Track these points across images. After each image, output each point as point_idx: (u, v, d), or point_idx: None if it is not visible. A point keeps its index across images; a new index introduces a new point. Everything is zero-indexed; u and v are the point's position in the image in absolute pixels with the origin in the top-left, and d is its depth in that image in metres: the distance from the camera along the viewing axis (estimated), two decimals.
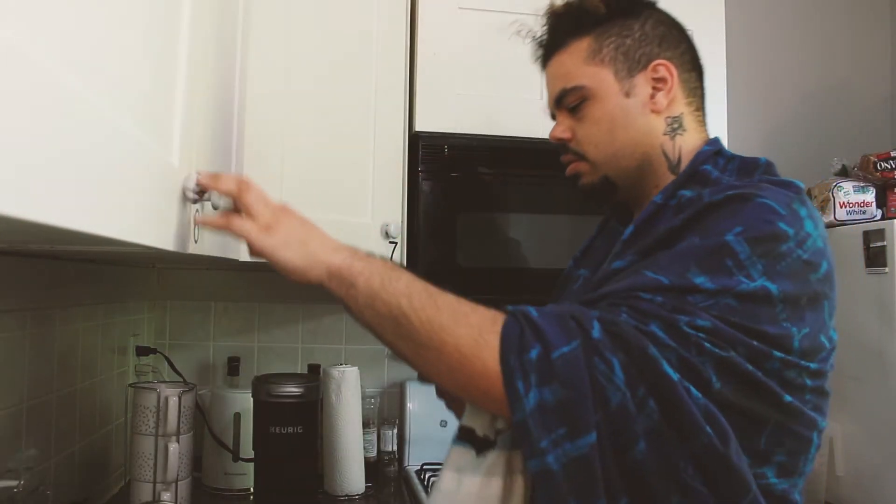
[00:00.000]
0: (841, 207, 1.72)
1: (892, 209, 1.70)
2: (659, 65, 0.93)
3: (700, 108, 0.98)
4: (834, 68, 2.23)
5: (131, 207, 0.59)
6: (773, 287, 0.73)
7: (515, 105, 1.61)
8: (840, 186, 1.73)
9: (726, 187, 0.81)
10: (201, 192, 0.81)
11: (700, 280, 0.73)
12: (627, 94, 0.93)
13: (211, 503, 1.58)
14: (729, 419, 0.72)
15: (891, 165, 1.70)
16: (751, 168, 0.89)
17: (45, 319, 1.20)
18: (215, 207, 0.85)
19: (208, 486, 1.61)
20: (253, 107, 1.32)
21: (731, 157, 0.92)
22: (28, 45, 0.38)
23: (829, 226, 1.73)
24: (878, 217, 1.71)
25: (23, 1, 0.37)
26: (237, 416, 1.62)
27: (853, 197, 1.72)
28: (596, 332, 0.71)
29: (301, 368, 1.88)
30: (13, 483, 0.93)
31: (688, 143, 0.94)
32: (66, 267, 1.26)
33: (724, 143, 1.73)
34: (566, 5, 0.98)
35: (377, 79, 1.56)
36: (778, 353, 0.73)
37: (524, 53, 1.74)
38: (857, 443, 1.58)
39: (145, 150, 0.64)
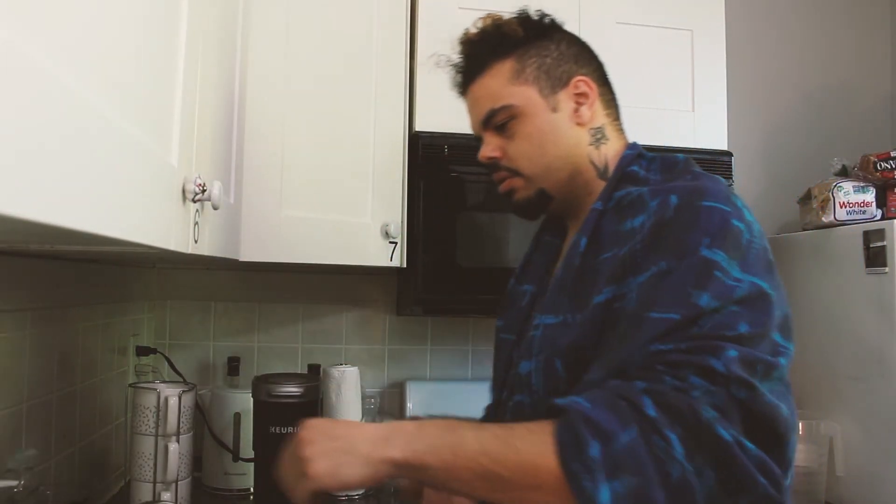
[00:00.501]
0: (841, 207, 1.72)
1: (892, 209, 1.70)
2: (579, 80, 0.99)
3: (617, 117, 1.04)
4: (834, 68, 2.23)
5: (131, 207, 0.59)
6: (759, 281, 0.77)
7: None
8: (840, 186, 1.73)
9: (668, 189, 0.84)
10: (202, 192, 0.81)
11: (704, 301, 0.75)
12: (554, 110, 0.98)
13: (211, 503, 1.58)
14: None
15: (891, 165, 1.70)
16: (672, 165, 0.94)
17: (45, 319, 1.20)
18: (215, 207, 0.85)
19: (208, 486, 1.61)
20: (253, 107, 1.32)
21: (653, 158, 0.97)
22: (27, 45, 0.38)
23: (830, 226, 1.73)
24: (878, 217, 1.71)
25: (22, 1, 0.37)
26: (237, 416, 1.62)
27: (853, 197, 1.72)
28: (649, 409, 0.72)
29: (301, 368, 1.88)
30: (13, 483, 0.93)
31: (611, 151, 0.99)
32: (66, 267, 1.26)
33: (724, 143, 1.76)
34: (482, 32, 1.03)
35: (377, 79, 1.56)
36: (783, 360, 0.78)
37: None
38: (857, 443, 1.58)
39: (145, 150, 0.64)
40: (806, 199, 1.86)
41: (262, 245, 1.35)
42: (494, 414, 1.05)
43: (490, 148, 1.01)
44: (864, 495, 1.56)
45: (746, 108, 2.12)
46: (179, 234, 0.77)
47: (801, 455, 1.59)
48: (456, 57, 1.05)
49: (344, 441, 0.80)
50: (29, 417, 1.13)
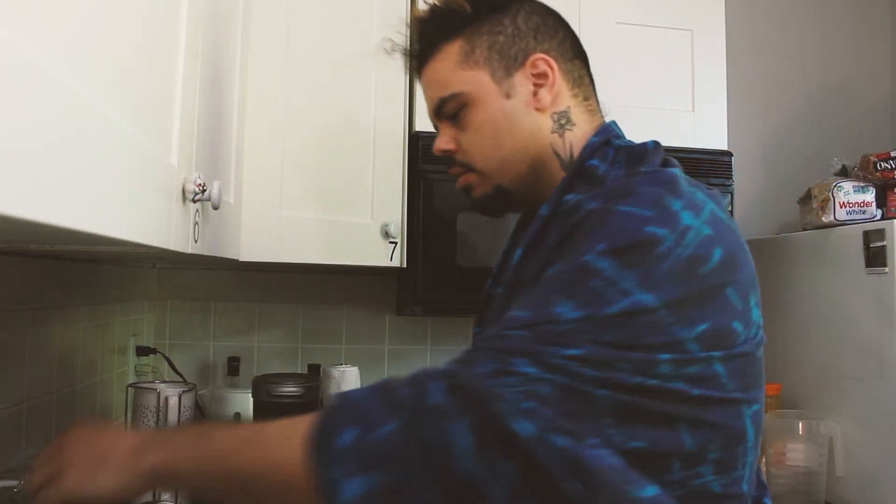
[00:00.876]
0: (841, 207, 1.72)
1: (892, 209, 1.70)
2: (538, 59, 0.87)
3: (589, 96, 0.92)
4: (834, 68, 2.23)
5: (131, 207, 0.59)
6: (648, 297, 0.66)
7: None
8: (840, 186, 1.73)
9: (595, 195, 0.75)
10: (202, 192, 0.81)
11: (561, 309, 0.67)
12: (508, 96, 0.88)
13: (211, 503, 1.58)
14: (631, 431, 0.66)
15: (891, 165, 1.70)
16: (639, 156, 0.82)
17: (45, 319, 1.20)
18: (215, 207, 0.85)
19: None
20: (253, 107, 1.32)
21: (619, 148, 0.85)
22: (26, 46, 0.38)
23: (830, 226, 1.73)
24: (878, 217, 1.71)
25: (22, 1, 0.37)
26: (237, 416, 1.62)
27: (853, 197, 1.72)
28: (437, 395, 0.65)
29: (301, 368, 1.88)
30: (13, 483, 0.93)
31: (579, 138, 0.88)
32: (66, 267, 1.26)
33: (724, 143, 1.76)
34: (431, 10, 0.92)
35: (377, 79, 1.56)
36: (665, 356, 0.66)
37: None
38: (857, 443, 1.58)
39: (145, 150, 0.64)
40: (806, 199, 1.86)
41: (262, 245, 1.34)
42: None
43: (444, 140, 0.92)
44: (864, 495, 1.56)
45: (746, 108, 2.12)
46: (179, 234, 0.77)
47: (801, 455, 1.59)
48: (409, 40, 0.96)
49: (103, 449, 0.74)
50: (29, 417, 1.13)
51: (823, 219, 1.75)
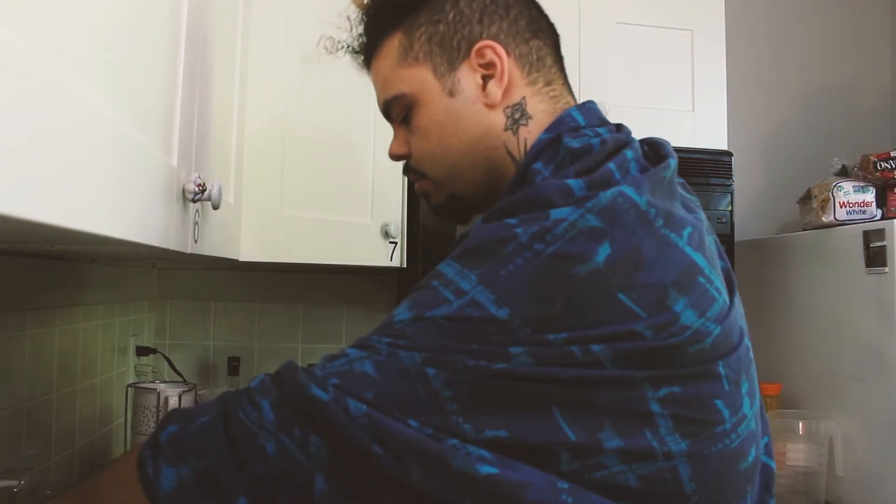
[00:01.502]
0: (841, 207, 1.72)
1: (892, 209, 1.70)
2: (483, 47, 0.76)
3: (552, 80, 0.80)
4: (834, 68, 2.23)
5: (131, 207, 0.59)
6: (485, 298, 0.60)
7: None
8: (840, 186, 1.73)
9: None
10: (202, 192, 0.81)
11: (399, 311, 0.64)
12: (452, 93, 0.77)
13: None
14: (483, 419, 0.60)
15: (891, 165, 1.70)
16: (581, 156, 0.70)
17: (45, 319, 1.20)
18: (215, 207, 0.85)
19: None
20: (253, 106, 1.32)
21: (568, 148, 0.71)
22: (26, 46, 0.38)
23: (830, 226, 1.73)
24: (878, 217, 1.71)
25: (21, 0, 0.37)
26: None
27: (853, 197, 1.72)
28: (253, 383, 0.65)
29: None
30: (13, 483, 0.93)
31: (534, 133, 0.76)
32: (66, 267, 1.26)
33: (724, 143, 1.76)
34: (370, 4, 0.83)
35: None
36: (517, 349, 0.60)
37: None
38: (857, 443, 1.58)
39: (144, 150, 0.64)
40: (806, 199, 1.86)
41: (262, 245, 1.34)
42: None
43: (397, 143, 0.84)
44: (864, 495, 1.56)
45: (746, 108, 2.12)
46: (179, 234, 0.77)
47: (802, 455, 1.59)
48: (351, 35, 0.87)
49: None
50: (29, 417, 1.13)
51: (823, 219, 1.75)
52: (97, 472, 0.79)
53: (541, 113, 0.77)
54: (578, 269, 0.60)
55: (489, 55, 0.76)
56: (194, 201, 0.80)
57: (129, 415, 1.52)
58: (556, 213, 0.61)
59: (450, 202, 0.83)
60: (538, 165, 0.71)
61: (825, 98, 2.22)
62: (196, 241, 0.84)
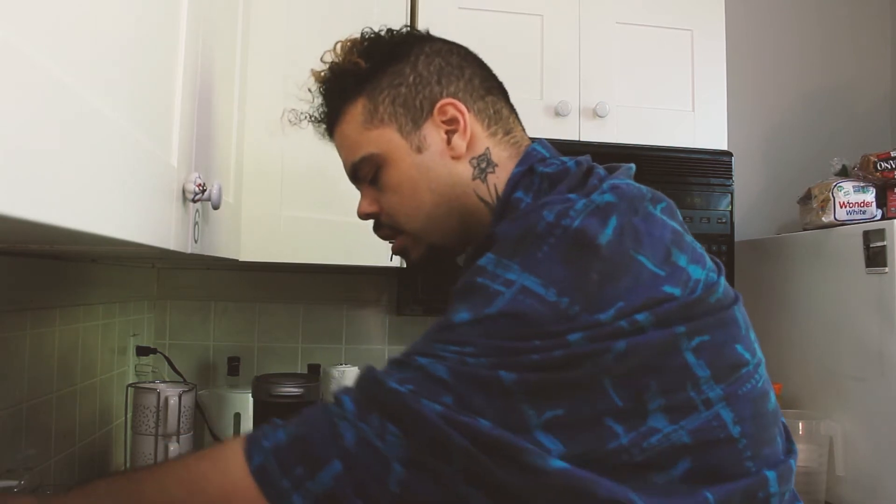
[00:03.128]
0: (841, 207, 1.72)
1: (892, 209, 1.70)
2: (445, 105, 0.83)
3: (511, 128, 0.87)
4: (834, 68, 2.23)
5: (131, 207, 0.59)
6: (533, 281, 0.65)
7: (515, 104, 1.60)
8: (840, 186, 1.73)
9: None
10: (202, 192, 0.81)
11: (455, 315, 0.67)
12: (419, 149, 0.83)
13: None
14: (545, 404, 0.64)
15: (891, 165, 1.70)
16: (556, 182, 0.77)
17: (45, 319, 1.20)
18: (215, 207, 0.85)
19: None
20: (253, 106, 1.32)
21: (543, 175, 0.79)
22: (26, 45, 0.38)
23: (830, 226, 1.73)
24: (878, 217, 1.71)
25: (21, 1, 0.37)
26: (237, 416, 1.62)
27: (853, 197, 1.72)
28: (339, 394, 0.70)
29: (301, 368, 1.88)
30: (13, 483, 0.93)
31: (502, 178, 0.83)
32: (66, 267, 1.26)
33: (724, 143, 1.76)
34: (330, 70, 0.88)
35: None
36: (575, 336, 0.64)
37: (524, 53, 1.74)
38: (857, 443, 1.58)
39: (145, 150, 0.64)
40: (806, 199, 1.86)
41: (262, 245, 1.34)
42: None
43: (366, 203, 0.88)
44: (864, 495, 1.56)
45: (746, 108, 2.12)
46: (179, 234, 0.77)
47: (802, 455, 1.59)
48: (312, 105, 0.92)
49: None
50: (29, 417, 1.13)
51: (823, 219, 1.75)
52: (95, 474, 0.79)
53: (505, 160, 0.84)
54: (600, 238, 0.66)
55: (451, 111, 0.83)
56: (194, 201, 0.80)
57: (129, 415, 1.52)
58: (567, 199, 0.69)
59: (429, 253, 0.88)
60: (519, 194, 0.79)
61: (825, 98, 2.22)
62: (196, 241, 0.84)
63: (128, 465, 1.54)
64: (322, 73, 0.89)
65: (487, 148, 0.84)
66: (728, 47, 1.79)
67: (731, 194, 1.73)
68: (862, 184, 1.73)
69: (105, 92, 0.52)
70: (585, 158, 0.80)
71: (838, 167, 1.83)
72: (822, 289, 1.70)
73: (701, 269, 0.70)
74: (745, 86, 2.12)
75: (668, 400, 0.65)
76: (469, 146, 0.83)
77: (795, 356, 1.77)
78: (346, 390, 0.70)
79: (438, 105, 0.83)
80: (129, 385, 1.50)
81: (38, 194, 0.40)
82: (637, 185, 0.74)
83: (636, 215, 0.69)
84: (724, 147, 1.75)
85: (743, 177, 1.99)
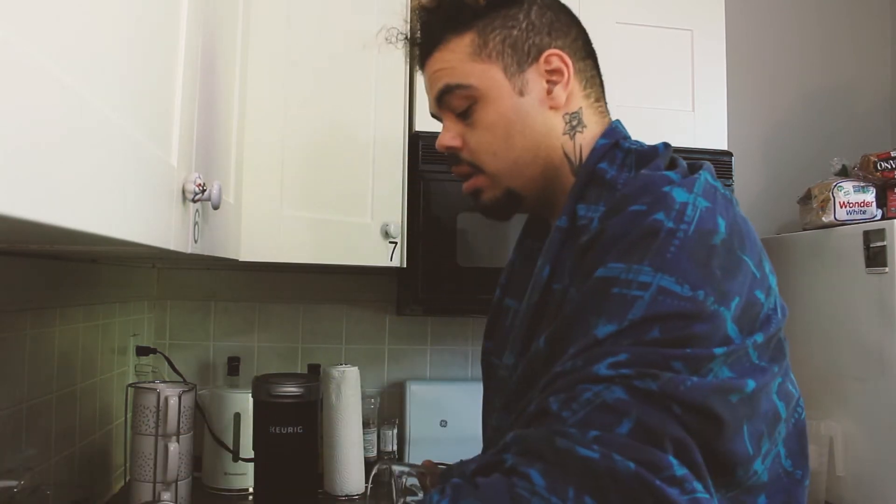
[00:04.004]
0: (841, 207, 1.72)
1: (892, 209, 1.70)
2: (552, 55, 0.83)
3: (600, 97, 0.88)
4: (834, 68, 2.23)
5: (131, 207, 0.59)
6: (669, 281, 0.65)
7: None
8: (840, 186, 1.73)
9: (597, 214, 0.75)
10: (202, 192, 0.81)
11: (600, 331, 0.66)
12: (521, 92, 0.83)
13: (211, 503, 1.58)
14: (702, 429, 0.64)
15: (891, 165, 1.70)
16: (648, 160, 0.79)
17: (45, 319, 1.20)
18: (215, 207, 0.85)
19: (208, 486, 1.61)
20: (253, 107, 1.32)
21: (629, 151, 0.81)
22: (26, 45, 0.38)
23: (830, 226, 1.73)
24: (878, 217, 1.71)
25: (22, 1, 0.37)
26: (237, 416, 1.62)
27: (853, 197, 1.72)
28: (509, 459, 0.66)
29: (301, 368, 1.88)
30: (13, 483, 0.93)
31: (588, 141, 0.84)
32: (66, 267, 1.26)
33: (724, 143, 1.75)
34: (438, 1, 0.87)
35: (377, 78, 1.56)
36: (721, 350, 0.65)
37: None
38: (857, 443, 1.58)
39: (144, 150, 0.64)
40: (806, 199, 1.86)
41: (262, 245, 1.35)
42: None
43: (449, 136, 0.86)
44: (864, 495, 1.56)
45: (746, 108, 2.12)
46: (179, 234, 0.77)
47: None
48: (412, 27, 0.90)
49: None
50: (29, 417, 1.13)
51: (823, 219, 1.75)
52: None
53: (593, 124, 0.85)
54: (715, 238, 0.68)
55: (556, 62, 0.83)
56: (194, 201, 0.80)
57: (129, 415, 1.52)
58: (679, 196, 0.69)
59: (504, 198, 0.86)
60: (603, 165, 0.80)
61: (825, 98, 2.22)
62: (196, 241, 0.84)
63: (127, 465, 1.54)
64: (429, 1, 0.88)
65: (581, 107, 0.85)
66: (728, 47, 1.79)
67: (731, 194, 1.72)
68: (862, 184, 1.73)
69: (105, 92, 0.52)
70: (667, 144, 0.82)
71: (838, 167, 1.83)
72: (822, 289, 1.70)
73: (775, 282, 0.74)
74: (745, 86, 2.12)
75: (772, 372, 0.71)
76: (566, 101, 0.84)
77: (795, 356, 1.75)
78: (526, 461, 0.64)
79: (546, 54, 0.83)
80: (129, 385, 1.50)
81: (38, 194, 0.40)
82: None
83: (737, 216, 0.71)
84: (724, 147, 1.75)
85: (743, 177, 1.99)
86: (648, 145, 0.82)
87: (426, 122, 1.59)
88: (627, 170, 0.79)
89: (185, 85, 0.78)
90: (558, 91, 0.83)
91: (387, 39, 0.95)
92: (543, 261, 0.79)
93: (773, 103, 2.19)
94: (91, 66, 0.49)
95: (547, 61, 0.83)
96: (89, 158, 0.48)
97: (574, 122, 0.84)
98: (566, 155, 0.84)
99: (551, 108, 0.84)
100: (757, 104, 2.17)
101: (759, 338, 0.68)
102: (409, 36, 0.93)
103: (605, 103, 0.89)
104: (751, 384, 0.66)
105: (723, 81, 1.76)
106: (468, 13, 0.84)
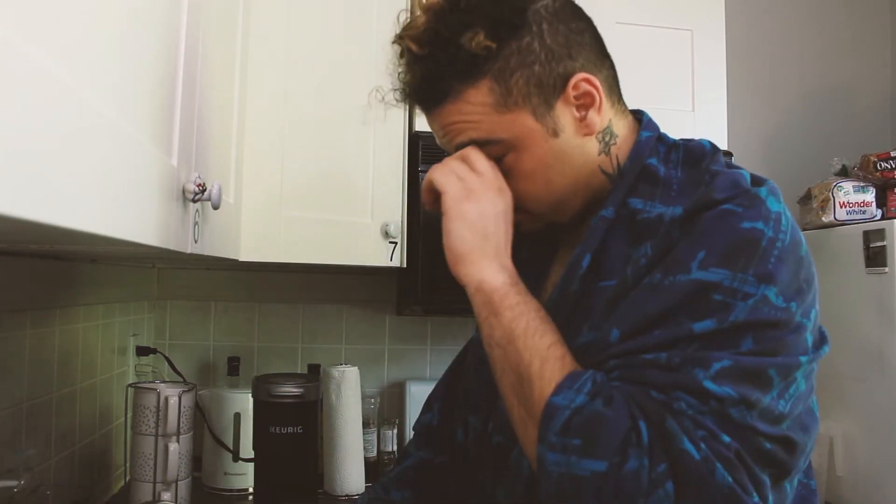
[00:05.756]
0: (841, 207, 1.72)
1: (892, 209, 1.70)
2: (579, 81, 0.77)
3: (620, 96, 0.84)
4: (834, 68, 2.23)
5: (131, 207, 0.59)
6: (770, 292, 0.67)
7: None
8: (840, 186, 1.73)
9: (681, 203, 0.73)
10: (202, 192, 0.81)
11: (697, 325, 0.67)
12: (555, 133, 0.78)
13: (211, 503, 1.58)
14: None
15: (891, 165, 1.70)
16: (697, 157, 0.77)
17: (45, 319, 1.20)
18: (215, 207, 0.85)
19: (208, 486, 1.61)
20: (253, 107, 1.32)
21: (674, 145, 0.80)
22: (27, 45, 0.38)
23: (830, 226, 1.73)
24: (878, 217, 1.71)
25: (22, 1, 0.37)
26: (237, 416, 1.62)
27: (853, 197, 1.72)
28: (644, 436, 0.66)
29: (301, 368, 1.88)
30: (13, 483, 0.93)
31: (622, 147, 0.81)
32: (66, 267, 1.26)
33: (724, 143, 1.75)
34: (437, 46, 0.77)
35: (377, 79, 1.55)
36: (804, 358, 0.71)
37: None
38: (857, 443, 1.58)
39: (144, 150, 0.64)
40: (806, 199, 1.86)
41: (262, 245, 1.34)
42: (461, 447, 0.96)
43: None
44: (864, 495, 1.56)
45: (746, 108, 2.12)
46: (179, 234, 0.77)
47: None
48: (403, 75, 0.83)
49: (494, 229, 0.77)
50: (29, 417, 1.13)
51: (823, 219, 1.75)
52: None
53: (622, 129, 0.82)
54: (801, 250, 0.71)
55: (584, 87, 0.77)
56: (194, 201, 0.80)
57: (129, 415, 1.52)
58: (772, 205, 0.70)
59: (545, 227, 0.85)
60: (653, 161, 0.78)
61: (825, 98, 2.22)
62: (196, 241, 0.84)
63: (127, 465, 1.54)
64: (420, 49, 0.78)
65: (610, 119, 0.81)
66: (728, 47, 1.78)
67: None
68: (862, 184, 1.73)
69: (105, 92, 0.52)
70: (711, 142, 0.82)
71: (838, 167, 1.83)
72: (821, 289, 1.69)
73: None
74: (745, 86, 2.12)
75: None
76: (600, 121, 0.80)
77: None
78: (671, 409, 0.66)
79: (573, 81, 0.77)
80: (129, 385, 1.50)
81: (38, 194, 0.40)
82: None
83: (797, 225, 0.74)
84: (724, 147, 1.74)
85: None
86: (694, 140, 0.81)
87: (426, 123, 1.58)
88: (674, 166, 0.78)
89: (185, 85, 0.78)
90: (592, 116, 0.78)
91: (383, 101, 0.90)
92: (582, 250, 0.77)
93: (773, 103, 2.19)
94: (91, 67, 0.49)
95: (575, 87, 0.77)
96: (89, 159, 0.48)
97: (607, 138, 0.80)
98: (603, 172, 0.81)
99: (585, 134, 0.79)
100: (757, 104, 2.17)
101: (824, 351, 0.75)
102: (405, 90, 0.84)
103: (621, 94, 0.85)
104: (814, 399, 0.74)
105: (723, 81, 1.76)
106: (474, 59, 0.76)
